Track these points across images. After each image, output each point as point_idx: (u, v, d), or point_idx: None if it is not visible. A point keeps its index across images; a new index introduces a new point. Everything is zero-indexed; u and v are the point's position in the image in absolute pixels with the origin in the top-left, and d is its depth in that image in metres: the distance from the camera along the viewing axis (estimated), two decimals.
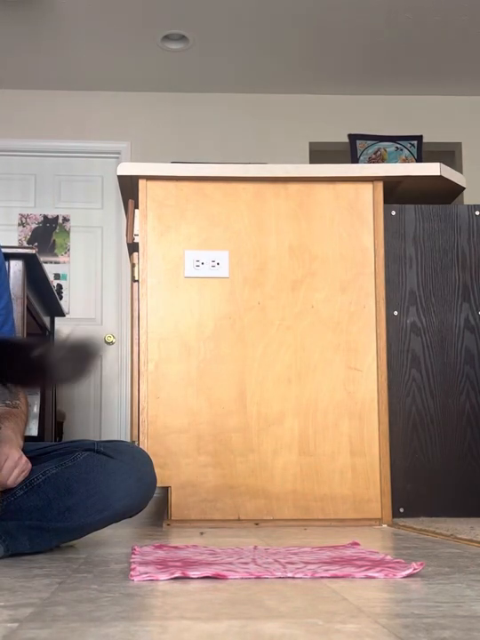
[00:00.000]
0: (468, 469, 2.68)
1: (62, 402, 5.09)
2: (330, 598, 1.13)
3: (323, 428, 2.61)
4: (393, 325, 2.71)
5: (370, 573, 1.33)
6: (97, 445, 1.81)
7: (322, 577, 1.31)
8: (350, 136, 5.73)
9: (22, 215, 5.49)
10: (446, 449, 2.68)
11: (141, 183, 2.69)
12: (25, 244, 5.35)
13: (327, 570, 1.36)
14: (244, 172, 2.71)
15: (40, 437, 3.80)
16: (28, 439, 1.86)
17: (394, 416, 2.66)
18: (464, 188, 2.88)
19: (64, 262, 5.49)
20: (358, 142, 5.74)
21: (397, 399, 2.68)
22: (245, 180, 2.71)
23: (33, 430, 3.70)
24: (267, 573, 1.33)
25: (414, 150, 5.74)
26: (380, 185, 2.72)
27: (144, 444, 2.55)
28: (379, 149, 5.76)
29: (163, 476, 2.51)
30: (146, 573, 1.33)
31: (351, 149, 5.73)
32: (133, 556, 1.61)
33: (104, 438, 4.34)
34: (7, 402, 1.79)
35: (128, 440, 2.74)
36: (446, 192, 2.88)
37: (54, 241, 5.49)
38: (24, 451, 1.74)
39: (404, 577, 1.32)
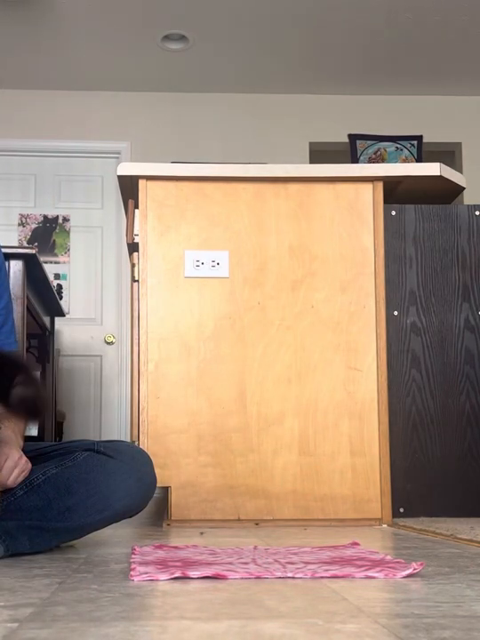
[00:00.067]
0: (468, 469, 2.68)
1: (62, 402, 5.09)
2: (330, 598, 1.13)
3: (323, 427, 2.61)
4: (393, 325, 2.71)
5: (370, 573, 1.33)
6: (97, 445, 1.81)
7: (322, 577, 1.31)
8: (350, 136, 5.73)
9: (22, 215, 5.49)
10: (446, 449, 2.68)
11: (141, 183, 2.69)
12: (25, 243, 5.36)
13: (327, 570, 1.36)
14: (244, 171, 2.71)
15: (40, 437, 3.80)
16: (27, 439, 1.86)
17: (394, 416, 2.66)
18: (464, 188, 2.88)
19: (64, 262, 5.49)
20: (358, 142, 5.73)
21: (397, 399, 2.68)
22: (245, 180, 2.71)
23: (33, 430, 3.70)
24: (267, 573, 1.33)
25: (414, 150, 5.74)
26: (380, 185, 2.73)
27: (144, 444, 2.55)
28: (379, 149, 5.75)
29: (163, 476, 2.51)
30: (146, 573, 1.33)
31: (351, 149, 5.73)
32: (133, 556, 1.61)
33: (104, 438, 4.33)
34: None
35: (128, 440, 2.74)
36: (446, 192, 2.88)
37: (54, 241, 5.49)
38: (24, 451, 1.74)
39: (404, 577, 1.32)
